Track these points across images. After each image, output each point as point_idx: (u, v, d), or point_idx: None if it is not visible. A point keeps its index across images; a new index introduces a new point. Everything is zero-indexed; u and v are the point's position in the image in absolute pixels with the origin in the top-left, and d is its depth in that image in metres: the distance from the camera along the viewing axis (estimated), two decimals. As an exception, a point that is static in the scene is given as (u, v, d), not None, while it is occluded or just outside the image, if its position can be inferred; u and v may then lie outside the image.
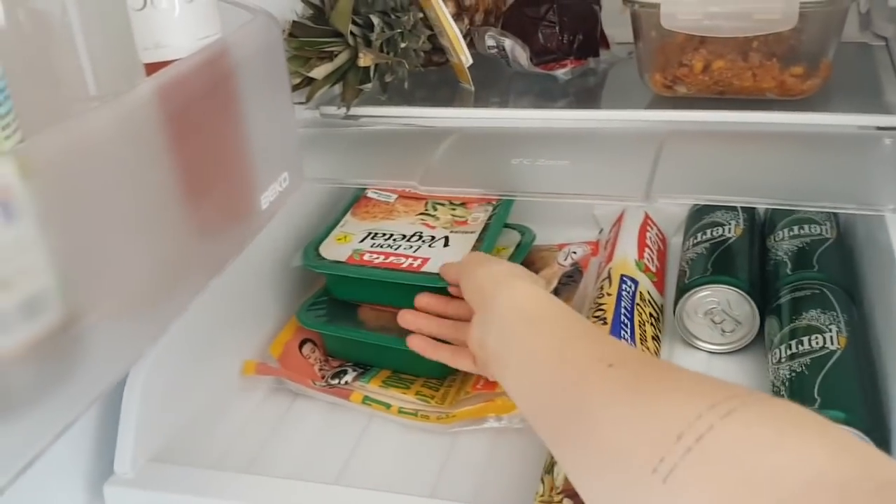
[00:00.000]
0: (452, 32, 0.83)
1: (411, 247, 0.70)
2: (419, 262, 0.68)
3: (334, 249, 0.72)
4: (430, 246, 0.70)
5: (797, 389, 0.56)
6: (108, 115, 0.38)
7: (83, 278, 0.37)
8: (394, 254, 0.69)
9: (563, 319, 0.50)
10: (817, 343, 0.58)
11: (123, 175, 0.39)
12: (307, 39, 0.76)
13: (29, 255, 0.34)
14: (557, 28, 0.85)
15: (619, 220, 0.79)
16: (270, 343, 0.71)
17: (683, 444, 0.35)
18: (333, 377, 0.68)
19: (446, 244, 0.70)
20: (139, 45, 0.45)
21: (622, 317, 0.65)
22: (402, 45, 0.79)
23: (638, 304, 0.68)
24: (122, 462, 0.57)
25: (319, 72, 0.76)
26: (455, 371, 0.63)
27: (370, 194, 0.79)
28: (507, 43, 0.85)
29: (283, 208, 0.69)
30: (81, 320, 0.37)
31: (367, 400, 0.65)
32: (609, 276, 0.70)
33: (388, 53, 0.78)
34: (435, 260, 0.67)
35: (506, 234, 0.79)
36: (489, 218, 0.73)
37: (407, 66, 0.81)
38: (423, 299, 0.64)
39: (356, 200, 0.79)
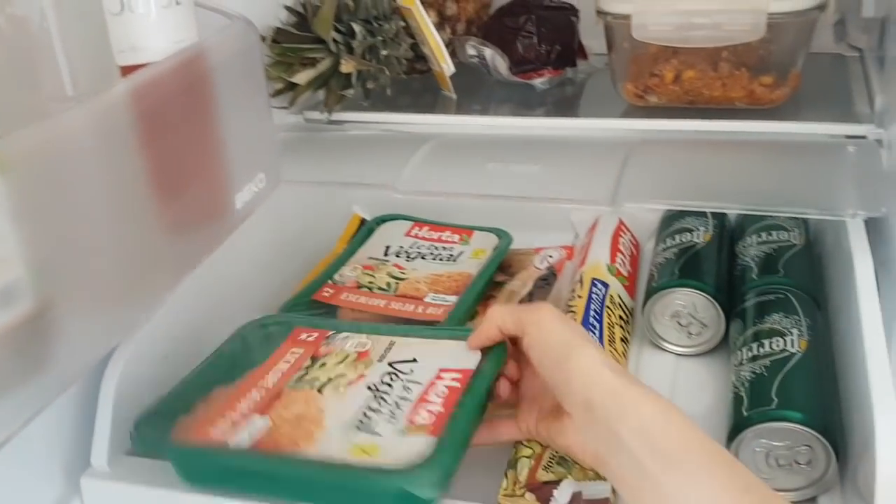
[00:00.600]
0: (434, 41, 0.85)
1: None
2: None
3: None
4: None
5: (756, 390, 0.57)
6: (83, 114, 0.40)
7: (56, 270, 0.39)
8: None
9: (710, 460, 0.45)
10: (778, 346, 0.60)
11: (97, 172, 0.40)
12: (290, 46, 0.78)
13: (4, 246, 0.36)
14: (536, 38, 0.87)
15: (594, 225, 0.81)
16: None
17: None
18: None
19: None
20: (115, 49, 0.46)
21: (591, 318, 0.67)
22: (384, 52, 0.81)
23: (608, 307, 0.69)
24: (98, 455, 0.58)
25: (302, 77, 0.78)
26: None
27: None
28: (488, 52, 0.87)
29: (266, 211, 0.72)
30: (53, 311, 0.38)
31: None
32: (581, 280, 0.72)
33: (369, 60, 0.80)
34: None
35: (484, 237, 0.81)
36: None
37: (389, 73, 0.83)
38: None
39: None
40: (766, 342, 0.61)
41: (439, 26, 0.88)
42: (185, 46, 0.48)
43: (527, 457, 0.56)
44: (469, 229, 0.82)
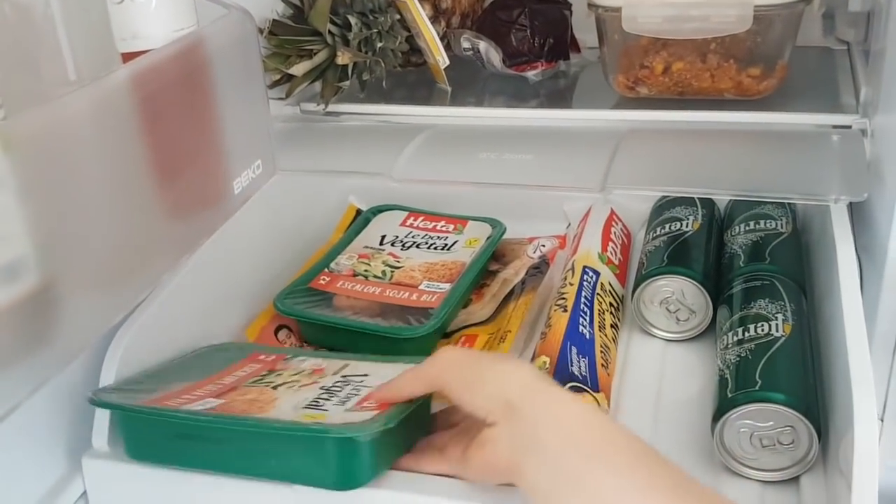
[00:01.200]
0: (429, 34, 0.86)
1: None
2: None
3: None
4: None
5: (741, 372, 0.59)
6: (85, 97, 0.41)
7: (59, 248, 0.40)
8: None
9: (636, 459, 0.43)
10: (763, 330, 0.61)
11: (98, 153, 0.42)
12: (287, 38, 0.79)
13: (9, 223, 0.37)
14: (529, 32, 0.88)
15: (587, 215, 0.82)
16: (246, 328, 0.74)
17: None
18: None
19: None
20: (117, 36, 0.48)
21: (582, 305, 0.68)
22: (380, 44, 0.82)
23: (598, 294, 0.71)
24: (99, 436, 0.59)
25: (298, 69, 0.80)
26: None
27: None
28: (482, 45, 0.89)
29: (264, 202, 0.73)
30: (56, 287, 0.39)
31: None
32: (573, 268, 0.73)
33: (365, 52, 0.82)
34: None
35: (478, 227, 0.82)
36: None
37: (384, 65, 0.84)
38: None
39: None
40: (752, 327, 0.62)
41: (434, 19, 0.89)
42: (184, 34, 0.50)
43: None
44: (463, 219, 0.83)
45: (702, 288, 0.69)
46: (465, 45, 0.90)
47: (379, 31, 0.82)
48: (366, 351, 0.69)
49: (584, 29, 0.91)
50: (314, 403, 0.54)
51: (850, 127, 0.72)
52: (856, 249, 0.61)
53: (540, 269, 0.78)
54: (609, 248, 0.77)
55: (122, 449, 0.58)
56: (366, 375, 0.59)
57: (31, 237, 0.38)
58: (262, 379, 0.60)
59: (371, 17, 0.82)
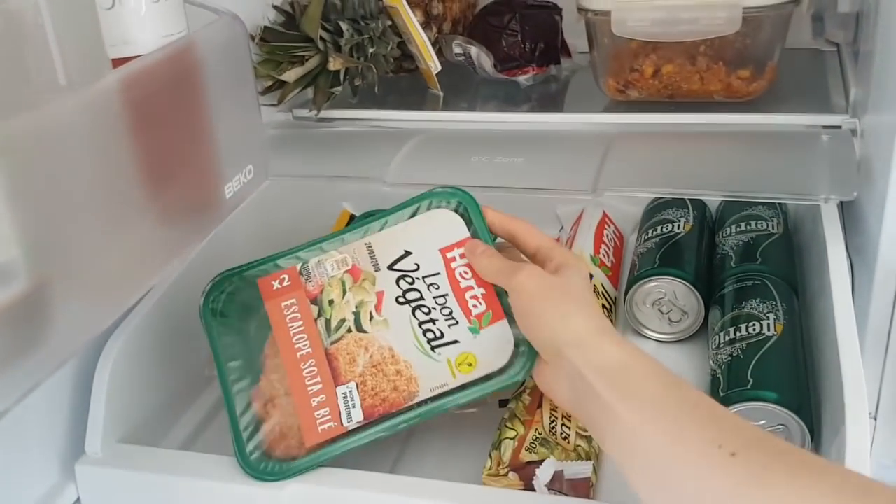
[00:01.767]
0: (421, 40, 0.87)
1: None
2: None
3: None
4: None
5: (733, 372, 0.59)
6: (75, 102, 0.41)
7: (48, 251, 0.40)
8: None
9: (657, 388, 0.45)
10: (754, 329, 0.62)
11: (88, 157, 0.42)
12: (278, 44, 0.80)
13: (-2, 228, 0.37)
14: (520, 36, 0.88)
15: (579, 218, 0.82)
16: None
17: None
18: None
19: None
20: (107, 42, 0.48)
21: (575, 307, 0.68)
22: (371, 50, 0.83)
23: (591, 296, 0.71)
24: (92, 443, 0.59)
25: (290, 75, 0.80)
26: None
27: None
28: (473, 50, 0.89)
29: (257, 207, 0.73)
30: (46, 291, 0.39)
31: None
32: (565, 270, 0.73)
33: (357, 58, 0.82)
34: None
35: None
36: None
37: (376, 70, 0.84)
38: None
39: None
40: (744, 326, 0.62)
41: (425, 25, 0.89)
42: (175, 39, 0.50)
43: (510, 438, 0.57)
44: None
45: (693, 289, 0.69)
46: (457, 50, 0.90)
47: (370, 36, 0.82)
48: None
49: (574, 33, 0.91)
50: (435, 337, 0.54)
51: (839, 127, 0.72)
52: (847, 249, 0.62)
53: (533, 272, 0.78)
54: (601, 251, 0.77)
55: (115, 456, 0.58)
56: (409, 255, 0.57)
57: (21, 241, 0.38)
58: (328, 321, 0.56)
59: (362, 24, 0.82)
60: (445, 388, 0.53)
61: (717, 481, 0.39)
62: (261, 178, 0.59)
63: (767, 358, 0.59)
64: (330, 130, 0.84)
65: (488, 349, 0.53)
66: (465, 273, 0.56)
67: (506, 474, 0.55)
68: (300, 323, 0.56)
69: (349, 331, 0.56)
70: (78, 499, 0.59)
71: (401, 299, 0.56)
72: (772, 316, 0.63)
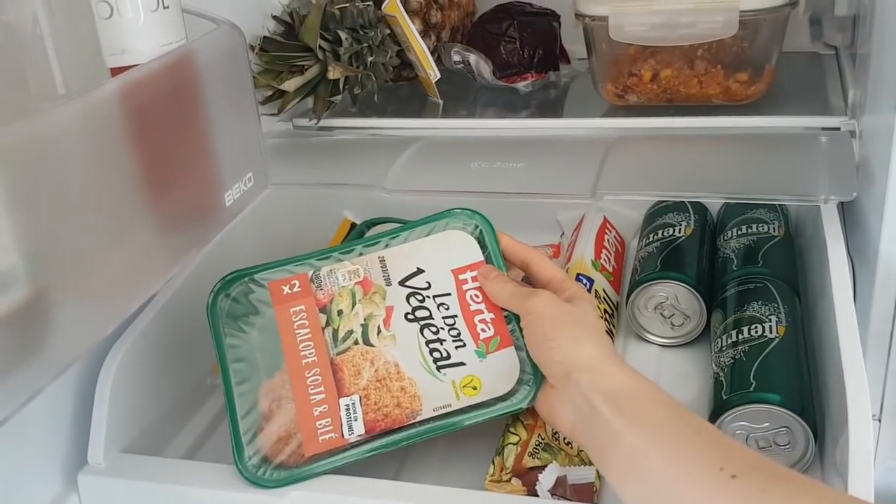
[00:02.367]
0: (420, 48, 0.87)
1: None
2: None
3: None
4: None
5: (735, 374, 0.59)
6: (75, 109, 0.41)
7: (48, 259, 0.40)
8: None
9: (661, 413, 0.46)
10: (756, 332, 0.61)
11: (88, 165, 0.42)
12: (278, 54, 0.80)
13: (-2, 235, 0.37)
14: (518, 43, 0.89)
15: (580, 224, 0.82)
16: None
17: None
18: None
19: None
20: (105, 52, 0.48)
21: (576, 312, 0.68)
22: (370, 59, 0.83)
23: (593, 301, 0.71)
24: (95, 453, 0.59)
25: (290, 84, 0.80)
26: None
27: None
28: (472, 58, 0.90)
29: (258, 216, 0.73)
30: (46, 298, 0.40)
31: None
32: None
33: (356, 67, 0.82)
34: None
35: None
36: None
37: (375, 79, 0.85)
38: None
39: None
40: (746, 329, 0.62)
41: (424, 34, 0.90)
42: (173, 48, 0.50)
43: (513, 444, 0.57)
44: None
45: (695, 293, 0.69)
46: (456, 58, 0.91)
47: (369, 45, 0.83)
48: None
49: (572, 40, 0.91)
50: (441, 357, 0.54)
51: (838, 129, 0.72)
52: (848, 251, 0.62)
53: (534, 278, 0.78)
54: (602, 256, 0.77)
55: (118, 466, 0.58)
56: (421, 272, 0.57)
57: (21, 248, 0.38)
58: (335, 332, 0.55)
59: (361, 32, 0.82)
60: (449, 409, 0.53)
61: (718, 502, 0.40)
62: (261, 186, 0.59)
63: (770, 360, 0.59)
64: (330, 139, 0.85)
65: (493, 374, 0.54)
66: (476, 296, 0.56)
67: (509, 480, 0.55)
68: (307, 330, 0.56)
69: (356, 343, 0.55)
70: (80, 509, 0.59)
71: (410, 316, 0.56)
72: (774, 318, 0.63)
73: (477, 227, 0.59)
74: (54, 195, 0.40)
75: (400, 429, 0.53)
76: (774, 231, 0.74)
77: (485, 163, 0.73)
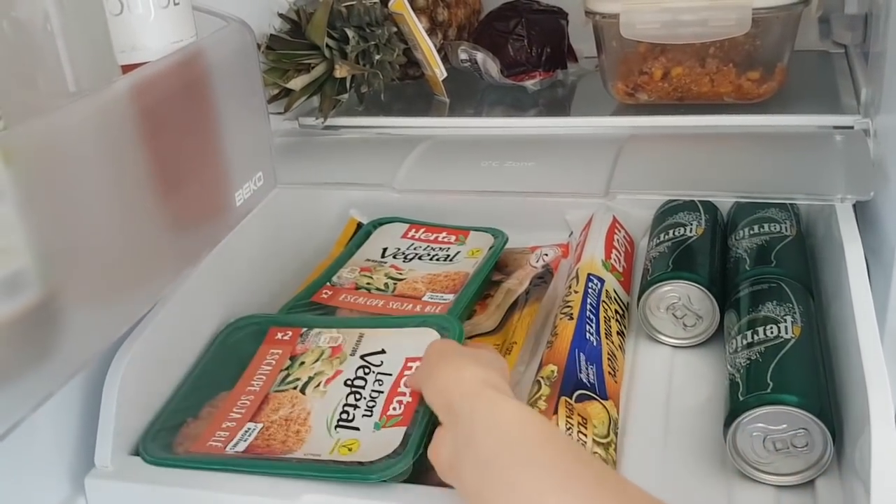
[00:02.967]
0: (426, 46, 0.86)
1: None
2: None
3: None
4: None
5: (752, 375, 0.58)
6: (86, 108, 0.41)
7: (60, 261, 0.39)
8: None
9: (558, 455, 0.42)
10: (772, 332, 0.61)
11: (99, 164, 0.41)
12: (284, 52, 0.79)
13: (9, 236, 0.37)
14: (526, 41, 0.88)
15: (589, 223, 0.82)
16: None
17: None
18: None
19: None
20: (116, 48, 0.47)
21: (588, 313, 0.68)
22: (377, 57, 0.82)
23: (604, 302, 0.70)
24: (102, 455, 0.58)
25: (297, 83, 0.79)
26: None
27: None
28: (479, 56, 0.89)
29: (265, 216, 0.73)
30: (57, 300, 0.39)
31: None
32: (577, 276, 0.72)
33: (363, 65, 0.81)
34: None
35: (480, 237, 0.82)
36: None
37: (382, 77, 0.84)
38: None
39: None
40: (761, 329, 0.61)
41: (431, 32, 0.89)
42: (184, 45, 0.49)
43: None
44: (465, 230, 0.83)
45: (708, 293, 0.68)
46: (463, 56, 0.90)
47: (376, 43, 0.82)
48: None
49: (580, 38, 0.91)
50: (345, 419, 0.58)
51: (852, 128, 0.72)
52: (863, 250, 0.61)
53: (544, 278, 0.77)
54: (612, 256, 0.76)
55: (125, 469, 0.57)
56: (382, 353, 0.63)
57: (32, 250, 0.38)
58: (288, 375, 0.63)
59: (368, 31, 0.81)
60: (314, 457, 0.55)
61: None
62: (270, 185, 0.59)
63: (787, 361, 0.58)
64: (337, 138, 0.84)
65: (373, 444, 0.55)
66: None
67: None
68: (269, 368, 0.64)
69: (294, 388, 0.62)
70: (88, 513, 0.58)
71: (348, 382, 0.61)
72: (789, 318, 0.62)
73: (449, 331, 0.63)
74: (66, 195, 0.39)
75: (268, 458, 0.56)
76: (787, 231, 0.73)
77: (495, 162, 0.72)
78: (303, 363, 0.64)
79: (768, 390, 0.56)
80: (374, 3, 0.83)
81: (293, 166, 0.77)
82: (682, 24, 0.71)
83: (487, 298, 0.75)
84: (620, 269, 0.76)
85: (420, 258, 0.80)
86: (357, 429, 0.57)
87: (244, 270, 0.75)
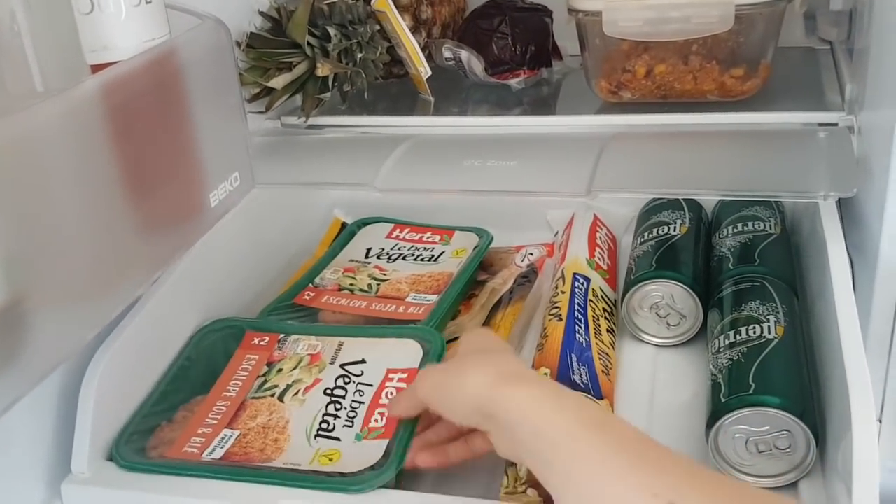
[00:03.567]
0: (410, 45, 0.86)
1: None
2: None
3: None
4: None
5: (734, 377, 0.57)
6: (54, 108, 0.40)
7: (27, 262, 0.39)
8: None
9: (595, 436, 0.44)
10: (755, 332, 0.60)
11: (68, 165, 0.40)
12: (265, 50, 0.78)
13: (-28, 240, 0.36)
14: (510, 40, 0.88)
15: (570, 222, 0.81)
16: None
17: None
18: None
19: None
20: (86, 48, 0.47)
21: (576, 312, 0.67)
22: (360, 55, 0.81)
23: (591, 300, 0.69)
24: (79, 462, 0.58)
25: (278, 82, 0.79)
26: None
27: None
28: (464, 54, 0.88)
29: (247, 216, 0.72)
30: (24, 304, 0.38)
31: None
32: (563, 276, 0.72)
33: (345, 64, 0.81)
34: None
35: (464, 237, 0.81)
36: None
37: (365, 76, 0.83)
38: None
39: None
40: (744, 329, 0.61)
41: (415, 30, 0.88)
42: (156, 44, 0.48)
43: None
44: (450, 229, 0.82)
45: (691, 292, 0.68)
46: (447, 54, 0.89)
47: (359, 41, 0.81)
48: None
49: (565, 36, 0.90)
50: (325, 428, 0.57)
51: (836, 124, 0.71)
52: (847, 248, 0.60)
53: (528, 277, 0.77)
54: (596, 254, 0.76)
55: (102, 474, 0.57)
56: (363, 363, 0.62)
57: (-2, 253, 0.37)
58: (265, 382, 0.62)
59: (350, 28, 0.81)
60: (294, 467, 0.55)
61: None
62: (247, 185, 0.58)
63: (769, 362, 0.57)
64: (319, 137, 0.83)
65: (355, 456, 0.55)
66: (392, 394, 0.59)
67: (524, 491, 0.53)
68: (245, 374, 0.63)
69: (272, 395, 0.61)
70: (65, 519, 0.58)
71: (328, 391, 0.60)
72: (772, 318, 0.61)
73: (432, 346, 0.63)
74: (33, 197, 0.39)
75: (246, 467, 0.55)
76: (771, 229, 0.73)
77: (477, 161, 0.71)
78: (280, 370, 0.63)
79: (750, 392, 0.55)
80: (357, 0, 0.82)
81: (274, 166, 0.76)
82: (665, 21, 0.70)
83: (472, 298, 0.75)
84: (605, 267, 0.75)
85: (404, 258, 0.79)
86: (338, 439, 0.56)
87: (226, 272, 0.74)
